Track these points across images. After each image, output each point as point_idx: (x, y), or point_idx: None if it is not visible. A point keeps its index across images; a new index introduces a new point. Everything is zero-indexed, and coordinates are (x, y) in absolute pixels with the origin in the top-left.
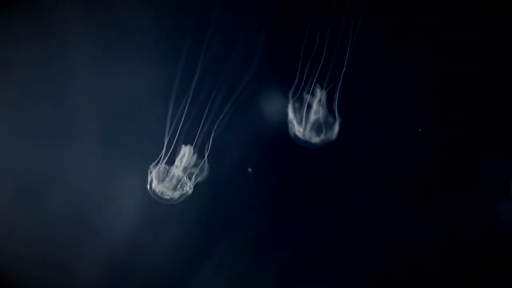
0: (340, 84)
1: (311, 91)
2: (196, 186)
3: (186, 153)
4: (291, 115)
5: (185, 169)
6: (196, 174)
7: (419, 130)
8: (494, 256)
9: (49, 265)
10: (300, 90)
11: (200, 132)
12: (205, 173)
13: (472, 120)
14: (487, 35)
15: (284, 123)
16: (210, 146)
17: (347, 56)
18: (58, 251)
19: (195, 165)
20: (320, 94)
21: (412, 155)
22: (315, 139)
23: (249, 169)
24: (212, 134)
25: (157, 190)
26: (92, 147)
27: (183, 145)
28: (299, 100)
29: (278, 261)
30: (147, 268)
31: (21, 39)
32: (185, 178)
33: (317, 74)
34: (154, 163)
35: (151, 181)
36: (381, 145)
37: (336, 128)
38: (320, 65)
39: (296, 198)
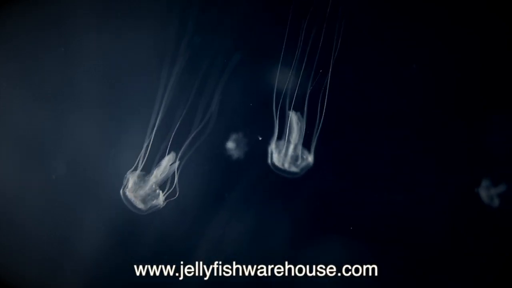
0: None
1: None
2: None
3: (165, 163)
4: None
5: (160, 180)
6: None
7: (414, 66)
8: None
9: (50, 227)
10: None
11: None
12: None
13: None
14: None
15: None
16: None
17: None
18: (59, 213)
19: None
20: (299, 123)
21: None
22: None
23: (259, 138)
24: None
25: (129, 197)
26: (93, 110)
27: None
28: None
29: (291, 213)
30: (153, 229)
31: (25, 6)
32: (157, 190)
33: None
34: (131, 170)
35: (127, 187)
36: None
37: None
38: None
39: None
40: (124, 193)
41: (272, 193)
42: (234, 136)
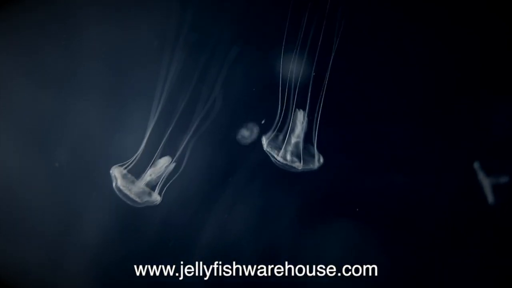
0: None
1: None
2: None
3: (161, 163)
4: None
5: (155, 178)
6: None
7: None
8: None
9: (53, 215)
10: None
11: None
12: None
13: None
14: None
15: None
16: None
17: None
18: (60, 208)
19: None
20: (302, 117)
21: None
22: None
23: (263, 121)
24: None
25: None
26: (95, 99)
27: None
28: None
29: (291, 214)
30: (154, 224)
31: None
32: (149, 190)
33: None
34: (123, 163)
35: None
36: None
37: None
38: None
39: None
40: (117, 187)
41: (272, 193)
42: (246, 124)
